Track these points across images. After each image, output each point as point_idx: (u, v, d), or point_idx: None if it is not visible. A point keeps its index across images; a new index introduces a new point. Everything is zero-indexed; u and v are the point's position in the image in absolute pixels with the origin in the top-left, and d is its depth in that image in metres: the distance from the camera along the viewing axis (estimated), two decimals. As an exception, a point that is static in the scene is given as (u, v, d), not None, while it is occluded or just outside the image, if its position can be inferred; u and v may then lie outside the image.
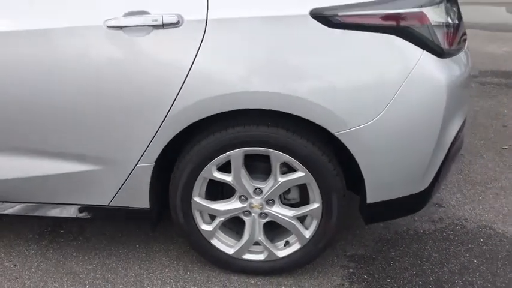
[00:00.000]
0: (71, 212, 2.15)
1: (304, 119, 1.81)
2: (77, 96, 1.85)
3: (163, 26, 1.75)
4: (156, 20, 1.74)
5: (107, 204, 2.11)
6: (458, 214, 2.84)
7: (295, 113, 1.79)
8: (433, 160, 1.93)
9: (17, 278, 2.32)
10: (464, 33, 2.05)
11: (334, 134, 1.82)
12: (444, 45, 1.78)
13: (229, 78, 1.76)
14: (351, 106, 1.77)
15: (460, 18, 1.99)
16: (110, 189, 2.07)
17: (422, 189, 2.00)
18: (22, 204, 2.18)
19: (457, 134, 1.99)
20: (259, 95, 1.76)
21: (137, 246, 2.56)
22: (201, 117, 1.83)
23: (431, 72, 1.77)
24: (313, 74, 1.76)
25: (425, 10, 1.73)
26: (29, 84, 1.87)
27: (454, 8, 1.92)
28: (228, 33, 1.74)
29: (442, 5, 1.81)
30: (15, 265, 2.42)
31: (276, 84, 1.75)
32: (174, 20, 1.75)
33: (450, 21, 1.83)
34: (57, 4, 1.83)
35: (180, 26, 1.75)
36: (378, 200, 1.99)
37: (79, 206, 2.13)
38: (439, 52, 1.76)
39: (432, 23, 1.73)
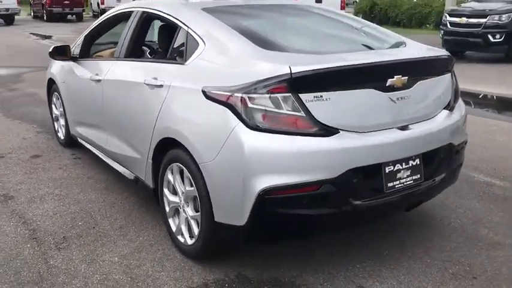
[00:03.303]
0: (131, 176, 3.58)
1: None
2: (127, 113, 3.51)
3: (160, 86, 3.05)
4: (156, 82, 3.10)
5: (143, 178, 3.37)
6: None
7: (186, 146, 2.75)
8: (241, 200, 2.49)
9: None
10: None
11: (198, 163, 2.66)
12: (259, 122, 2.43)
13: (170, 121, 2.94)
14: (205, 148, 2.62)
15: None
16: (142, 171, 3.34)
17: (241, 224, 2.52)
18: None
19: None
20: (170, 130, 2.92)
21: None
22: (162, 137, 2.98)
23: (240, 139, 2.44)
24: (193, 124, 2.76)
25: (243, 96, 2.44)
26: (119, 105, 3.62)
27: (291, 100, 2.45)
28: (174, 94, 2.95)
29: (266, 96, 2.42)
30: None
31: (180, 126, 2.83)
32: (160, 83, 3.03)
33: (270, 108, 2.43)
34: (126, 70, 3.61)
35: (162, 87, 3.01)
36: (221, 221, 2.62)
37: (134, 175, 3.54)
38: (249, 125, 2.43)
39: (249, 105, 2.43)
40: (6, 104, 7.01)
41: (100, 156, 4.11)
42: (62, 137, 5.03)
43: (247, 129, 2.42)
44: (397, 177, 2.67)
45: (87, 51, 4.34)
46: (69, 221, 3.45)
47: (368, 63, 2.62)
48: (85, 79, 4.10)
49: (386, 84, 2.60)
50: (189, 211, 2.87)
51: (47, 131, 5.56)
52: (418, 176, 2.77)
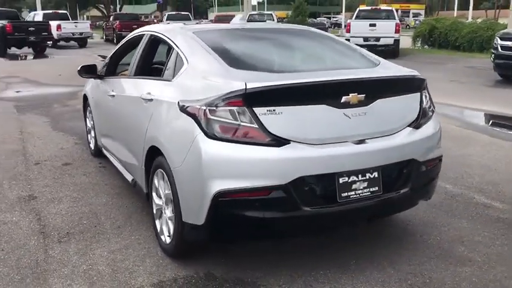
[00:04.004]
0: (130, 179, 4.02)
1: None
2: (129, 124, 3.95)
3: (150, 100, 3.45)
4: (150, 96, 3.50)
5: (140, 183, 3.75)
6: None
7: (163, 152, 3.12)
8: (200, 202, 2.76)
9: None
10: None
11: (171, 168, 2.98)
12: (217, 132, 2.71)
13: (154, 131, 3.31)
14: (176, 155, 2.95)
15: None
16: (138, 177, 3.75)
17: (201, 223, 2.80)
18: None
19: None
20: (154, 139, 3.27)
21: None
22: (149, 145, 3.34)
23: (200, 147, 2.74)
24: (169, 133, 3.13)
25: (205, 108, 2.75)
26: (124, 117, 4.09)
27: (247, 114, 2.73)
28: (159, 107, 3.32)
29: (225, 109, 2.71)
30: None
31: (161, 135, 3.18)
32: (151, 98, 3.43)
33: (227, 119, 2.71)
34: (131, 86, 4.09)
35: (152, 101, 3.41)
36: (187, 221, 2.91)
37: (132, 178, 3.99)
38: (208, 135, 2.72)
39: (209, 117, 2.73)
40: (57, 118, 7.73)
41: (114, 163, 4.54)
42: (92, 148, 5.55)
43: (206, 138, 2.71)
44: (352, 188, 2.84)
45: (112, 69, 4.82)
46: (77, 219, 3.86)
47: (321, 81, 2.84)
48: (105, 95, 4.57)
49: (341, 101, 2.80)
50: (168, 212, 3.18)
51: (83, 143, 6.11)
52: (377, 188, 2.92)
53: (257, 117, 2.67)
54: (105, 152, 4.94)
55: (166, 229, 3.24)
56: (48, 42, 21.75)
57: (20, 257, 3.27)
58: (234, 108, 2.68)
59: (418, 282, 2.97)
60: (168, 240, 3.21)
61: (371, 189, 2.90)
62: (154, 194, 3.40)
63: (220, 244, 3.29)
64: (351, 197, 2.85)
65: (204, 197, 2.72)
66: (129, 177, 4.02)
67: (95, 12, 69.05)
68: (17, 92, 10.52)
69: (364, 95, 2.86)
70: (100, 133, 5.06)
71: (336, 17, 66.67)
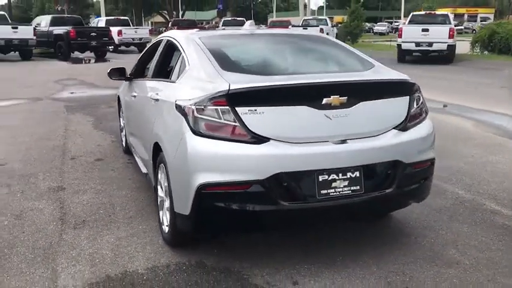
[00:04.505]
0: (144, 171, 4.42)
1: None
2: (142, 121, 4.27)
3: (157, 100, 3.76)
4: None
5: (150, 176, 4.06)
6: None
7: (161, 147, 3.42)
8: (187, 193, 2.99)
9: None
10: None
11: (166, 162, 3.27)
12: (202, 129, 2.94)
13: (157, 128, 3.62)
14: (170, 150, 3.23)
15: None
16: (150, 170, 4.02)
17: (187, 213, 3.04)
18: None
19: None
20: (157, 135, 3.58)
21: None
22: (154, 141, 3.64)
23: (187, 142, 2.98)
24: (166, 129, 3.41)
25: (193, 107, 2.98)
26: (140, 114, 4.42)
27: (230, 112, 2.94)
28: (162, 106, 3.63)
29: (210, 108, 2.92)
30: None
31: (161, 132, 3.50)
32: (158, 98, 3.75)
33: (211, 118, 2.93)
34: (147, 87, 4.34)
35: (158, 101, 3.72)
36: (177, 211, 3.16)
37: (145, 172, 4.36)
38: (195, 131, 2.96)
39: (195, 115, 2.96)
40: (101, 118, 8.25)
41: (136, 159, 4.87)
42: (124, 145, 5.93)
43: (193, 134, 2.93)
44: (332, 186, 2.97)
45: (138, 72, 5.16)
46: (95, 209, 4.20)
47: (301, 83, 3.00)
48: (130, 95, 4.92)
49: (322, 103, 2.94)
50: (167, 204, 3.43)
51: (118, 141, 6.53)
52: (358, 187, 3.03)
53: (239, 116, 2.86)
54: (131, 148, 5.29)
55: (166, 219, 3.49)
56: (108, 47, 22.89)
57: (38, 239, 3.63)
58: (219, 107, 2.89)
59: (397, 280, 3.05)
60: (166, 229, 3.46)
61: (352, 188, 3.01)
62: (158, 187, 3.66)
63: (204, 234, 3.53)
64: (331, 194, 2.97)
65: (190, 189, 2.94)
66: (144, 171, 4.33)
67: (159, 18, 71.71)
68: (71, 93, 11.25)
69: (346, 98, 2.98)
70: (128, 131, 5.42)
71: (397, 22, 65.36)
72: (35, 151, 6.06)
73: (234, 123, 2.87)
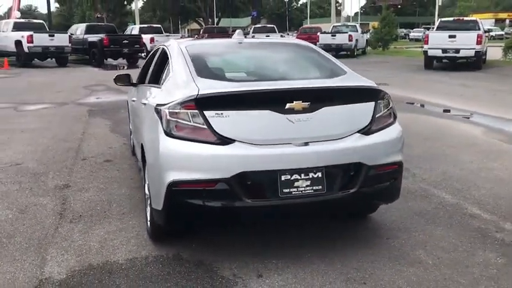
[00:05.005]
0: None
1: None
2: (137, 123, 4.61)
3: (145, 104, 4.02)
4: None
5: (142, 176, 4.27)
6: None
7: (143, 147, 3.81)
8: (160, 190, 3.25)
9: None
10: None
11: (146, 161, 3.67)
12: (174, 131, 3.20)
13: (143, 129, 3.99)
14: (148, 149, 3.59)
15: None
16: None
17: (159, 208, 3.31)
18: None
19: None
20: (141, 136, 3.95)
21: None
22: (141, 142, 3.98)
23: (159, 143, 3.25)
24: (147, 130, 3.75)
25: (166, 111, 3.23)
26: (136, 117, 4.77)
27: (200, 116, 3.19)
28: (147, 109, 3.87)
29: (181, 111, 3.18)
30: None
31: (144, 133, 3.86)
32: (146, 102, 3.99)
33: (181, 120, 3.19)
34: (141, 93, 4.60)
35: (146, 105, 3.96)
36: (153, 207, 3.44)
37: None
38: (167, 133, 3.22)
39: (168, 118, 3.22)
40: (118, 122, 8.64)
41: (138, 159, 5.19)
42: (132, 147, 6.27)
43: (165, 135, 3.20)
44: (295, 185, 3.17)
45: (141, 78, 5.48)
46: (93, 206, 4.52)
47: (265, 89, 3.22)
48: (132, 100, 5.25)
49: (286, 107, 3.15)
50: (149, 200, 3.70)
51: (129, 144, 6.88)
52: (320, 187, 3.21)
53: (207, 119, 3.11)
54: (135, 150, 5.62)
55: (149, 215, 3.76)
56: (140, 53, 23.60)
57: (35, 231, 3.96)
58: (189, 111, 3.14)
59: (357, 276, 3.21)
60: (148, 224, 3.73)
61: (314, 188, 3.20)
62: (145, 185, 3.94)
63: (176, 229, 3.77)
64: (293, 193, 3.17)
65: (162, 186, 3.20)
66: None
67: (195, 25, 73.06)
68: (97, 98, 11.79)
69: (309, 103, 3.18)
70: (133, 134, 5.75)
71: (434, 27, 64.42)
72: (50, 152, 6.48)
73: (202, 126, 3.12)
